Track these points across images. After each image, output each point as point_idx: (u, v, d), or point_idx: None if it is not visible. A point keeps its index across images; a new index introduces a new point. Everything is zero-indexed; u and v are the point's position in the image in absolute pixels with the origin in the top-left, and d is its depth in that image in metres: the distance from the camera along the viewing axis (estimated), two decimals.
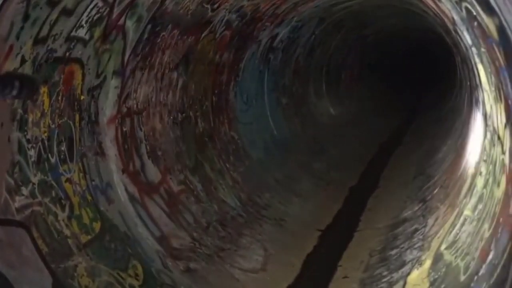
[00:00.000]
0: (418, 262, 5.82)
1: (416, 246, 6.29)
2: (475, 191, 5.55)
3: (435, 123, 12.17)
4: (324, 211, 8.92)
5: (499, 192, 4.59)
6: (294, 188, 9.21)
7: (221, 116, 8.59)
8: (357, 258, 7.06)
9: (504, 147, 4.57)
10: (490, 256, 4.26)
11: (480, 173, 5.54)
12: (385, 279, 6.04)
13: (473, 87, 5.93)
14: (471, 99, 6.35)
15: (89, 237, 5.34)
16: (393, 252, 6.59)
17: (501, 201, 4.51)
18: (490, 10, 3.45)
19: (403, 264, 6.06)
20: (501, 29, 3.39)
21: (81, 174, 5.49)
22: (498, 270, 3.91)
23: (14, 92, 2.91)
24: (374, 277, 6.23)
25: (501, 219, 4.35)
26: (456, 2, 4.44)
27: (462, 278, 4.64)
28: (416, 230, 6.72)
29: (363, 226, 8.35)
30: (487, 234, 4.62)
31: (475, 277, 4.38)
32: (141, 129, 6.54)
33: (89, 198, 5.52)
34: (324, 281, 6.70)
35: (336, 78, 15.19)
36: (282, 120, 10.97)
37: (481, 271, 4.30)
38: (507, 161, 4.41)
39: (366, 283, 6.23)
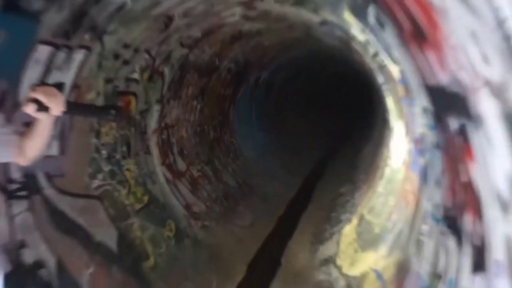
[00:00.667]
0: (349, 221, 5.92)
1: (347, 211, 6.42)
2: (384, 176, 5.65)
3: (361, 135, 11.71)
4: (291, 189, 8.85)
5: (400, 176, 4.72)
6: (273, 175, 9.26)
7: (224, 129, 8.64)
8: (311, 217, 7.16)
9: (403, 148, 4.68)
10: (394, 217, 4.38)
11: (387, 165, 5.63)
12: (327, 232, 6.17)
13: (385, 110, 5.93)
14: (383, 118, 6.35)
15: (140, 205, 5.40)
16: (333, 215, 6.70)
17: (399, 182, 4.68)
18: (394, 62, 3.54)
19: (339, 222, 6.17)
20: (402, 73, 3.49)
21: (135, 166, 5.56)
22: (399, 225, 4.05)
23: (111, 117, 3.02)
24: (322, 230, 6.34)
25: (401, 194, 4.49)
26: (372, 57, 4.51)
27: (377, 230, 4.75)
28: (348, 201, 6.86)
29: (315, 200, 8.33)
30: (392, 203, 4.75)
31: (384, 231, 4.50)
32: (173, 137, 6.60)
33: (140, 180, 5.58)
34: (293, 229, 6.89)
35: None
36: (263, 132, 11.01)
37: (388, 226, 4.43)
38: (406, 157, 4.53)
39: (316, 233, 6.33)
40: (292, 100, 13.05)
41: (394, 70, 3.68)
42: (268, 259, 5.74)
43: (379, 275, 3.76)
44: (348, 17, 3.90)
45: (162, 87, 6.03)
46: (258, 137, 10.33)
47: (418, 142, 3.41)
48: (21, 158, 2.31)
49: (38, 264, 3.78)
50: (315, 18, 5.13)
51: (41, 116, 2.15)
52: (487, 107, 1.63)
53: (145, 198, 5.54)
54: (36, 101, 2.11)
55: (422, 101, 2.70)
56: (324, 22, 5.11)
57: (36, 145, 2.29)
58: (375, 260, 4.13)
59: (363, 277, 4.10)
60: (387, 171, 5.51)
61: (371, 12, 2.68)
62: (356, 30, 4.22)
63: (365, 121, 8.71)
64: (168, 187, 6.13)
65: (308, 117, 13.18)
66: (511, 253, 1.48)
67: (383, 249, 4.14)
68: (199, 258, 5.48)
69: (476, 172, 1.87)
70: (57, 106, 2.15)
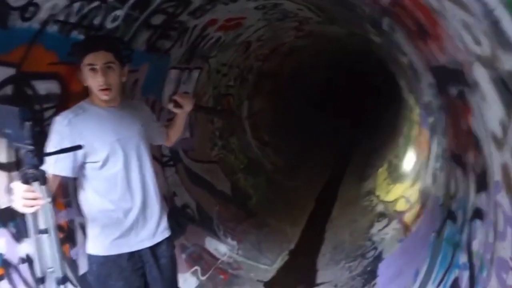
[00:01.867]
0: (381, 165, 5.70)
1: (379, 158, 6.17)
2: (403, 133, 5.37)
3: (383, 109, 9.13)
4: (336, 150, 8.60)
5: (415, 132, 4.48)
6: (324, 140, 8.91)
7: (288, 112, 8.42)
8: (355, 164, 7.03)
9: (415, 113, 4.42)
10: (413, 159, 4.19)
11: (404, 125, 5.33)
12: (367, 173, 5.98)
13: (399, 89, 5.46)
14: (398, 95, 5.66)
15: (243, 165, 5.49)
16: (370, 162, 6.48)
17: (414, 136, 4.44)
18: (404, 54, 3.33)
19: (374, 166, 5.94)
20: (410, 61, 3.26)
21: (237, 140, 5.61)
22: (417, 165, 3.90)
23: (221, 115, 3.14)
24: (363, 172, 6.18)
25: (417, 144, 4.27)
26: (386, 53, 4.25)
27: (402, 170, 4.56)
28: (379, 152, 6.60)
29: (356, 153, 8.11)
30: (411, 151, 4.53)
31: (407, 169, 4.33)
32: (258, 120, 6.61)
33: (241, 149, 5.66)
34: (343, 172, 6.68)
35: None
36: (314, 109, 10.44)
37: (409, 166, 4.25)
38: (418, 118, 4.29)
39: (360, 174, 6.12)
40: (328, 91, 12.35)
41: (404, 60, 3.47)
42: (328, 194, 5.66)
43: (407, 199, 3.63)
44: (368, 28, 3.71)
45: (248, 88, 6.05)
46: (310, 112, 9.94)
47: (426, 107, 3.22)
48: (168, 142, 2.38)
49: (185, 206, 3.93)
50: (344, 32, 4.93)
51: (177, 111, 2.21)
52: (480, 75, 1.50)
53: (246, 161, 5.62)
54: (175, 101, 2.18)
55: (428, 78, 2.53)
56: (351, 34, 4.90)
57: (176, 133, 2.36)
58: (403, 190, 3.96)
59: (395, 201, 3.96)
60: (405, 129, 5.24)
61: (385, 22, 2.52)
62: (374, 35, 4.03)
63: (384, 99, 8.10)
64: (260, 152, 6.19)
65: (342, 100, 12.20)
66: (506, 175, 1.38)
67: (408, 182, 3.97)
68: (283, 197, 5.51)
69: (474, 122, 1.75)
70: (188, 105, 2.21)
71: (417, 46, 2.12)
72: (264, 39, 4.97)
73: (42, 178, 1.45)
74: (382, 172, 5.45)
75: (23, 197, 1.43)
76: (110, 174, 1.88)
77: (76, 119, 1.83)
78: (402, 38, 2.41)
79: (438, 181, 2.63)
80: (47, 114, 2.34)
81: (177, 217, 3.66)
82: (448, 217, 2.16)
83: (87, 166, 1.86)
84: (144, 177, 1.97)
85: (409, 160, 4.44)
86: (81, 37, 2.33)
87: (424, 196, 3.06)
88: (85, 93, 2.46)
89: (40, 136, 1.45)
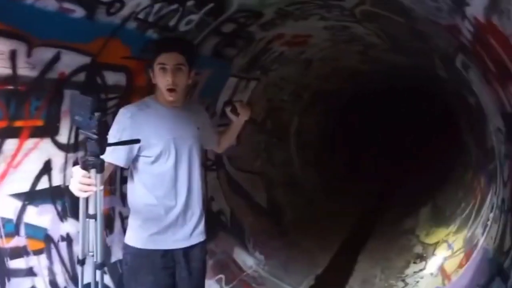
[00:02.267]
0: (424, 204, 5.44)
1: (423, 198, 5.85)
2: (455, 176, 5.12)
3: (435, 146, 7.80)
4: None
5: (469, 176, 4.26)
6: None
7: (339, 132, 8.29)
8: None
9: (472, 156, 4.20)
10: (462, 205, 3.98)
11: (456, 170, 5.06)
12: (409, 210, 5.70)
13: (458, 129, 5.21)
14: (455, 134, 5.52)
15: (282, 181, 5.44)
16: (412, 198, 6.15)
17: (467, 180, 4.24)
18: (471, 94, 3.18)
19: (417, 204, 5.67)
20: (476, 102, 3.12)
21: (281, 153, 5.59)
22: (466, 211, 3.68)
23: None
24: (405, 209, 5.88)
25: (469, 189, 4.06)
26: (451, 90, 4.08)
27: (447, 213, 4.34)
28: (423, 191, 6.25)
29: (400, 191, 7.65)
30: (460, 195, 4.31)
31: (454, 213, 4.12)
32: (303, 136, 6.55)
33: (284, 164, 5.62)
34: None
35: None
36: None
37: (457, 211, 4.04)
38: (475, 163, 4.08)
39: (401, 211, 5.88)
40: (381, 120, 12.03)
41: (472, 100, 3.30)
42: (365, 225, 5.45)
43: (449, 245, 3.43)
44: (437, 62, 3.58)
45: (301, 106, 6.04)
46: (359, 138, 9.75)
47: (487, 153, 3.04)
48: (219, 148, 2.42)
49: (220, 212, 3.96)
50: (408, 62, 4.80)
51: (233, 118, 2.26)
52: None
53: (286, 177, 5.59)
54: (234, 107, 2.23)
55: (496, 123, 2.39)
56: (415, 66, 4.76)
57: (228, 140, 2.41)
58: (445, 234, 3.75)
59: (436, 245, 3.75)
60: (457, 171, 5.00)
61: (459, 59, 2.42)
62: (441, 70, 3.89)
63: (439, 137, 7.65)
64: (301, 170, 6.14)
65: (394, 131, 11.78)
66: None
67: (452, 227, 3.75)
68: (318, 219, 5.39)
69: None
70: (245, 115, 2.25)
71: (492, 88, 2.01)
72: (326, 59, 4.94)
73: (100, 167, 1.52)
74: (425, 212, 5.21)
75: (80, 181, 1.50)
76: (159, 171, 1.93)
77: (139, 113, 1.91)
78: (476, 78, 2.30)
79: (490, 233, 2.47)
80: (111, 103, 2.47)
81: (211, 221, 3.69)
82: (498, 274, 2.02)
83: (140, 159, 1.92)
84: (191, 179, 2.01)
85: (457, 204, 4.22)
86: (155, 36, 2.45)
87: (470, 246, 2.89)
88: (148, 88, 2.58)
89: (105, 127, 1.51)
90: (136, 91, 2.59)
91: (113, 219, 2.64)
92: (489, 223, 2.57)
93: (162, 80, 1.89)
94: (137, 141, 1.77)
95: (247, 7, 2.70)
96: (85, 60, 2.14)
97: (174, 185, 1.96)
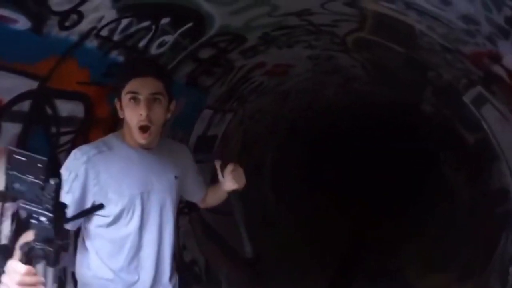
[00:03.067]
0: (408, 242, 5.16)
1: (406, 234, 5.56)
2: (437, 214, 4.90)
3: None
4: None
5: (458, 216, 4.02)
6: None
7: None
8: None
9: None
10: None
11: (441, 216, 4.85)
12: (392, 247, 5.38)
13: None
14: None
15: (257, 221, 5.04)
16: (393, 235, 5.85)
17: (461, 221, 3.97)
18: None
19: (401, 242, 5.38)
20: None
21: (255, 190, 5.22)
22: None
23: None
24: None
25: (463, 230, 3.79)
26: None
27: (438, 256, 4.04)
28: None
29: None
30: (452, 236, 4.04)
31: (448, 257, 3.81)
32: (280, 172, 6.23)
33: (261, 204, 5.23)
34: None
35: None
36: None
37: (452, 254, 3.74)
38: (465, 201, 3.85)
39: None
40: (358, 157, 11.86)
41: (469, 137, 3.12)
42: (349, 265, 5.07)
43: None
44: (427, 97, 3.39)
45: (277, 140, 5.74)
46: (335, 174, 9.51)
47: (493, 194, 2.78)
48: (202, 203, 1.96)
49: (193, 262, 3.49)
50: (390, 96, 4.64)
51: (220, 178, 1.70)
52: None
53: (261, 216, 5.17)
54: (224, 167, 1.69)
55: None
56: (398, 101, 4.61)
57: (216, 201, 1.91)
58: (446, 282, 3.40)
59: None
60: (441, 214, 4.76)
61: (472, 93, 2.16)
62: (428, 106, 3.71)
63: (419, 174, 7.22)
64: (277, 208, 5.74)
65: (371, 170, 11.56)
66: None
67: (453, 274, 3.41)
68: (297, 261, 4.97)
69: None
70: (241, 182, 1.68)
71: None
72: (305, 91, 4.71)
73: (53, 258, 1.02)
74: (409, 249, 4.92)
75: (20, 282, 0.98)
76: (118, 236, 1.47)
77: (97, 157, 1.43)
78: (491, 114, 2.04)
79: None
80: (63, 139, 2.01)
81: (183, 274, 3.20)
82: None
83: (93, 220, 1.46)
84: (161, 245, 1.55)
85: (449, 244, 3.94)
86: (121, 59, 2.04)
87: None
88: (112, 123, 2.12)
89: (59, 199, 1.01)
90: (97, 124, 2.15)
91: (64, 283, 2.10)
92: (510, 278, 2.26)
93: (133, 115, 1.44)
94: (100, 206, 1.38)
95: (230, 30, 2.36)
96: (30, 84, 1.68)
97: (136, 255, 1.50)
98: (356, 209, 7.34)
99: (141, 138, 1.45)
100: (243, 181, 1.67)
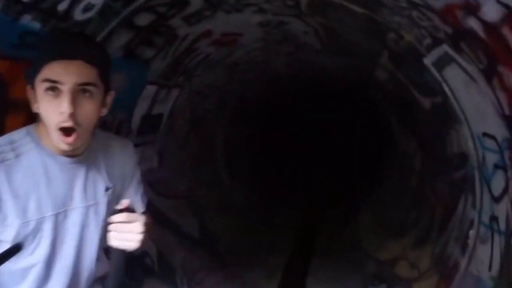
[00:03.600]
0: (363, 212, 5.24)
1: (360, 205, 5.67)
2: (391, 181, 4.99)
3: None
4: None
5: (412, 183, 4.06)
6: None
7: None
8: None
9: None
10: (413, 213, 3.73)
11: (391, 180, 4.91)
12: (346, 217, 5.45)
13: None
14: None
15: (213, 202, 4.84)
16: (348, 207, 5.94)
17: (415, 187, 4.02)
18: None
19: (356, 213, 5.47)
20: None
21: (209, 173, 5.00)
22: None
23: None
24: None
25: (417, 196, 3.83)
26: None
27: (394, 223, 4.10)
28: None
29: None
30: (406, 202, 4.09)
31: (403, 224, 3.86)
32: (231, 151, 6.03)
33: (213, 183, 5.02)
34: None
35: None
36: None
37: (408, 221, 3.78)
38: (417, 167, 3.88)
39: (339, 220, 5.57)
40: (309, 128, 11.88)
41: (426, 102, 3.07)
42: (305, 240, 5.04)
43: (412, 264, 3.02)
44: (382, 62, 3.29)
45: (227, 115, 5.49)
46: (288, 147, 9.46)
47: (450, 160, 2.76)
48: None
49: (144, 254, 3.21)
50: (341, 64, 4.52)
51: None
52: None
53: (216, 196, 4.98)
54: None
55: (483, 127, 2.06)
56: (350, 69, 4.50)
57: None
58: (402, 249, 3.36)
59: (393, 262, 3.34)
60: (393, 176, 4.82)
61: (436, 53, 2.05)
62: (382, 72, 3.63)
63: (370, 140, 7.29)
64: (232, 186, 5.56)
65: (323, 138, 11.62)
66: None
67: (408, 239, 3.39)
68: (256, 241, 4.86)
69: None
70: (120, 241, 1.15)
71: (491, 87, 1.63)
72: (254, 63, 4.47)
73: None
74: (365, 220, 4.98)
75: None
76: (18, 268, 1.13)
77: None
78: (457, 76, 1.94)
79: (477, 255, 2.13)
80: None
81: (132, 269, 2.93)
82: None
83: None
84: (78, 272, 1.22)
85: (403, 213, 3.98)
86: (36, 26, 1.67)
87: (444, 267, 2.56)
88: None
89: None
90: (14, 108, 1.78)
91: None
92: (470, 242, 2.24)
93: (51, 112, 1.07)
94: (16, 249, 1.05)
95: None
96: None
97: (43, 285, 1.17)
98: (311, 183, 7.37)
99: (62, 143, 1.08)
100: (135, 241, 1.12)
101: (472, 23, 1.39)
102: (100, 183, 1.24)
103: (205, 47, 3.12)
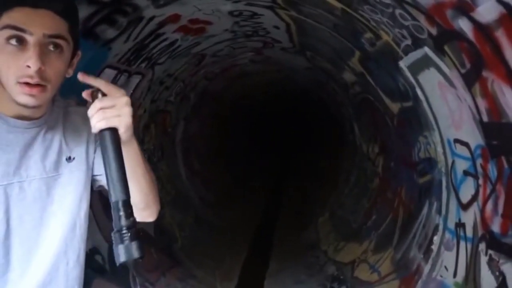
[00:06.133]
0: (322, 214, 5.25)
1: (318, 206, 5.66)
2: (350, 183, 5.02)
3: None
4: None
5: (373, 185, 4.10)
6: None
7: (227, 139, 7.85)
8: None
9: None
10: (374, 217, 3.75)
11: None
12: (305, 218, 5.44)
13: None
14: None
15: (169, 198, 4.64)
16: (306, 208, 5.95)
17: (376, 190, 4.04)
18: None
19: (314, 215, 5.46)
20: None
21: (166, 166, 4.79)
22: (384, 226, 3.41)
23: None
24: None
25: (378, 199, 3.85)
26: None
27: (354, 226, 4.11)
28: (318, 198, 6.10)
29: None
30: (367, 205, 4.11)
31: (364, 227, 3.86)
32: (192, 145, 5.85)
33: (170, 178, 4.82)
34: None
35: None
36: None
37: (368, 224, 3.79)
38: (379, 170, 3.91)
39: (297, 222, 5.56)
40: (270, 125, 12.07)
41: (393, 106, 3.07)
42: (263, 241, 4.97)
43: (372, 267, 3.06)
44: (352, 64, 3.26)
45: (188, 108, 5.30)
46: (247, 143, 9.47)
47: (415, 164, 2.77)
48: None
49: (94, 251, 2.98)
50: (307, 64, 4.48)
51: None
52: None
53: (173, 192, 4.77)
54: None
55: (456, 133, 2.06)
56: (315, 69, 4.46)
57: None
58: (361, 252, 3.40)
59: (353, 265, 3.36)
60: (352, 179, 4.86)
61: (413, 56, 2.01)
62: (349, 74, 3.61)
63: (329, 143, 7.38)
64: (189, 183, 5.37)
65: (282, 136, 12.00)
66: None
67: (368, 243, 3.44)
68: (212, 240, 4.73)
69: None
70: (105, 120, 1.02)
71: (469, 93, 1.60)
72: (219, 56, 4.31)
73: None
74: (324, 222, 4.97)
75: None
76: None
77: None
78: (433, 80, 1.91)
79: (442, 261, 2.13)
80: None
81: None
82: None
83: None
84: (48, 267, 1.03)
85: (363, 216, 4.00)
86: None
87: (406, 271, 2.56)
88: None
89: None
90: None
91: None
92: (434, 247, 2.24)
93: (12, 65, 0.90)
94: None
95: None
96: None
97: (2, 277, 0.97)
98: (271, 181, 7.31)
99: (25, 95, 0.91)
100: (126, 115, 0.96)
101: (462, 24, 1.33)
102: (61, 152, 1.06)
103: (172, 33, 2.92)
